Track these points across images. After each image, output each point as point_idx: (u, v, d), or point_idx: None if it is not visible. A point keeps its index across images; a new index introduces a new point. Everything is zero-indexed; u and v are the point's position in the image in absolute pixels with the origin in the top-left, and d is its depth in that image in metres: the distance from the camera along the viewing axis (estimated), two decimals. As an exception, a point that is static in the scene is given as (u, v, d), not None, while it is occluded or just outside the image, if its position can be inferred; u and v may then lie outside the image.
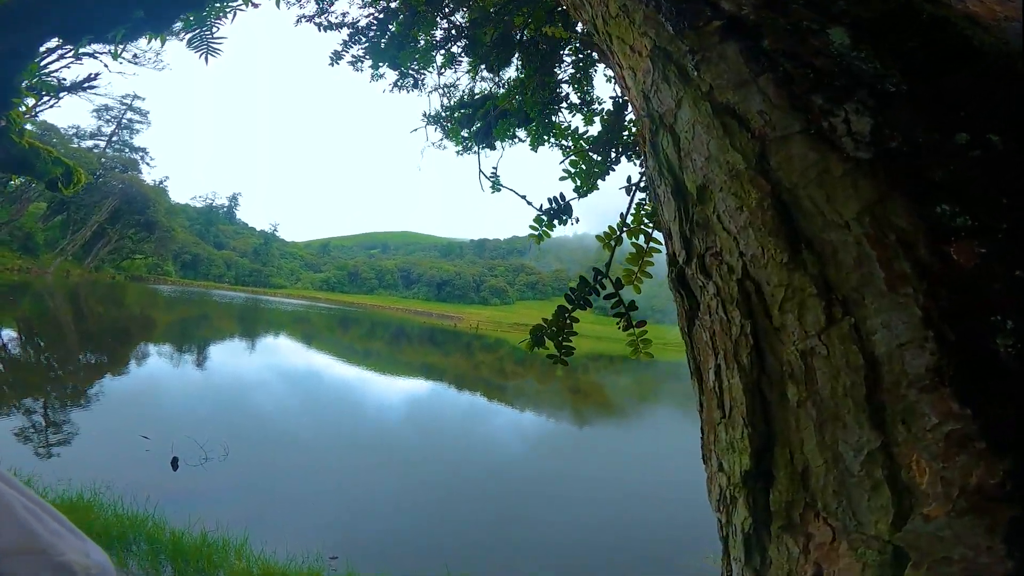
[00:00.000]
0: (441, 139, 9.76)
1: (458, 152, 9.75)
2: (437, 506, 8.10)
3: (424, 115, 9.28)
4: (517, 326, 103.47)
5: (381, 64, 8.61)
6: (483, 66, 8.65)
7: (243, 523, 5.87)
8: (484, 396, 19.55)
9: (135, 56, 19.88)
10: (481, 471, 10.04)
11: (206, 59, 3.27)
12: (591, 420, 17.52)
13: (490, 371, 28.72)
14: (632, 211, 2.50)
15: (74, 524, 0.71)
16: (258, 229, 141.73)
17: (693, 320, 0.86)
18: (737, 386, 0.69)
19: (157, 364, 17.32)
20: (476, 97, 9.14)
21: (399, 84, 9.98)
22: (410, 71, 9.60)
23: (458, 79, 9.89)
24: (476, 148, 9.38)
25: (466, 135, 9.13)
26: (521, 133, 9.34)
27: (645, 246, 2.31)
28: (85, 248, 64.92)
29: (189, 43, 3.30)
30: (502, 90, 8.55)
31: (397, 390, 18.76)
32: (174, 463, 8.25)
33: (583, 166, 3.00)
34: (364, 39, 8.25)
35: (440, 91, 9.73)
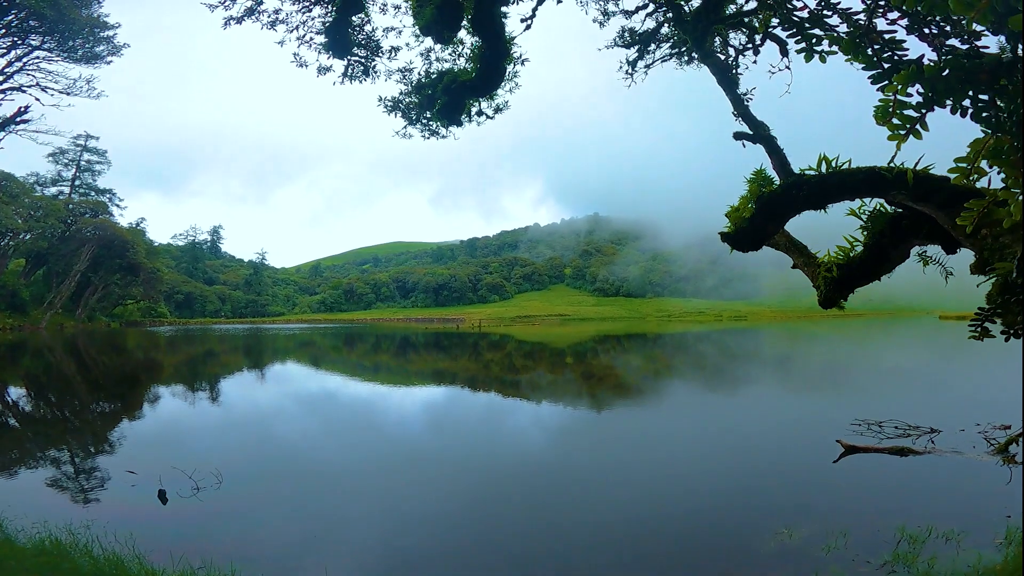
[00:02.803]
0: (405, 127, 9.41)
1: (424, 137, 9.45)
2: (473, 515, 7.54)
3: (380, 99, 8.84)
4: (520, 319, 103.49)
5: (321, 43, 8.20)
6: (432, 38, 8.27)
7: (236, 557, 5.45)
8: (499, 394, 19.32)
9: (67, 87, 19.49)
10: (511, 471, 9.68)
11: None
12: (610, 403, 17.29)
13: (501, 368, 28.45)
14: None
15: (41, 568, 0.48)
16: (246, 260, 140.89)
17: None
18: None
19: (170, 404, 17.00)
20: (432, 76, 8.77)
21: (348, 74, 9.58)
22: (356, 58, 9.22)
23: (411, 62, 9.49)
24: (440, 129, 9.00)
25: (429, 116, 8.78)
26: (488, 109, 9.01)
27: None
28: (73, 299, 64.21)
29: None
30: (460, 61, 8.23)
31: (414, 401, 18.50)
32: (161, 496, 7.82)
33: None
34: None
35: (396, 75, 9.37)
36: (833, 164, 3.36)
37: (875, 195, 3.20)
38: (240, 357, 35.78)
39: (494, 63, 6.90)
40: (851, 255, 3.34)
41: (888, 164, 3.13)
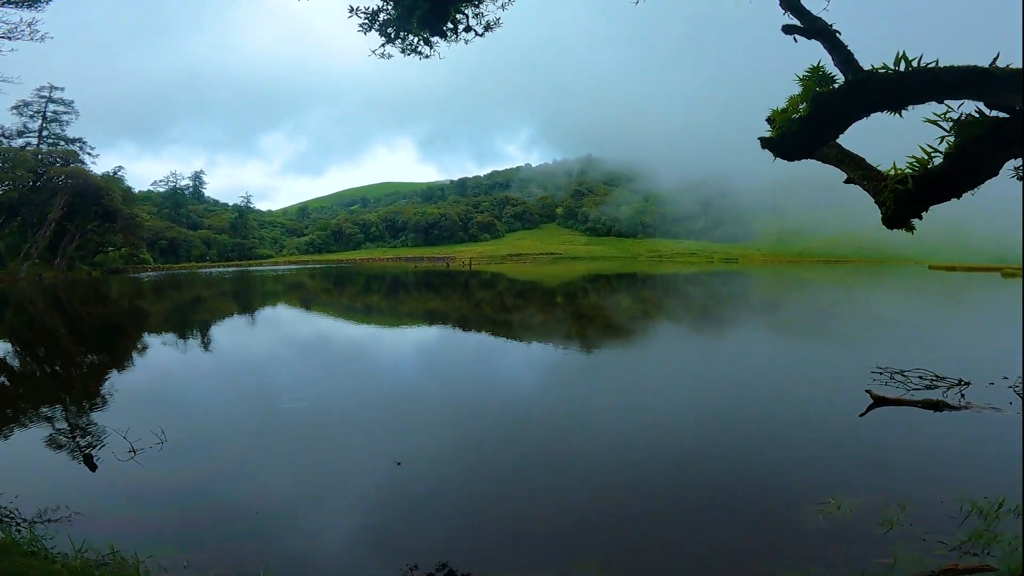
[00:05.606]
0: (383, 44, 8.36)
1: (405, 54, 8.42)
2: (472, 461, 7.13)
3: (351, 10, 7.65)
4: (510, 257, 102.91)
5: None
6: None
7: (175, 533, 4.88)
8: (490, 334, 19.07)
9: (8, 32, 17.74)
10: (508, 413, 9.37)
11: None
12: (600, 343, 17.08)
13: (492, 308, 28.20)
14: None
15: None
16: (231, 204, 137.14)
17: None
18: None
19: (159, 354, 16.53)
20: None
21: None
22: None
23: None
24: (423, 45, 7.95)
25: (409, 29, 7.71)
26: (477, 25, 7.92)
27: None
28: (51, 249, 63.06)
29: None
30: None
31: (407, 342, 18.20)
32: (88, 461, 6.83)
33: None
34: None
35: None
36: (914, 63, 2.70)
37: (973, 96, 2.58)
38: (227, 303, 35.18)
39: (482, -42, 5.92)
40: (928, 167, 2.73)
41: (991, 65, 2.50)
